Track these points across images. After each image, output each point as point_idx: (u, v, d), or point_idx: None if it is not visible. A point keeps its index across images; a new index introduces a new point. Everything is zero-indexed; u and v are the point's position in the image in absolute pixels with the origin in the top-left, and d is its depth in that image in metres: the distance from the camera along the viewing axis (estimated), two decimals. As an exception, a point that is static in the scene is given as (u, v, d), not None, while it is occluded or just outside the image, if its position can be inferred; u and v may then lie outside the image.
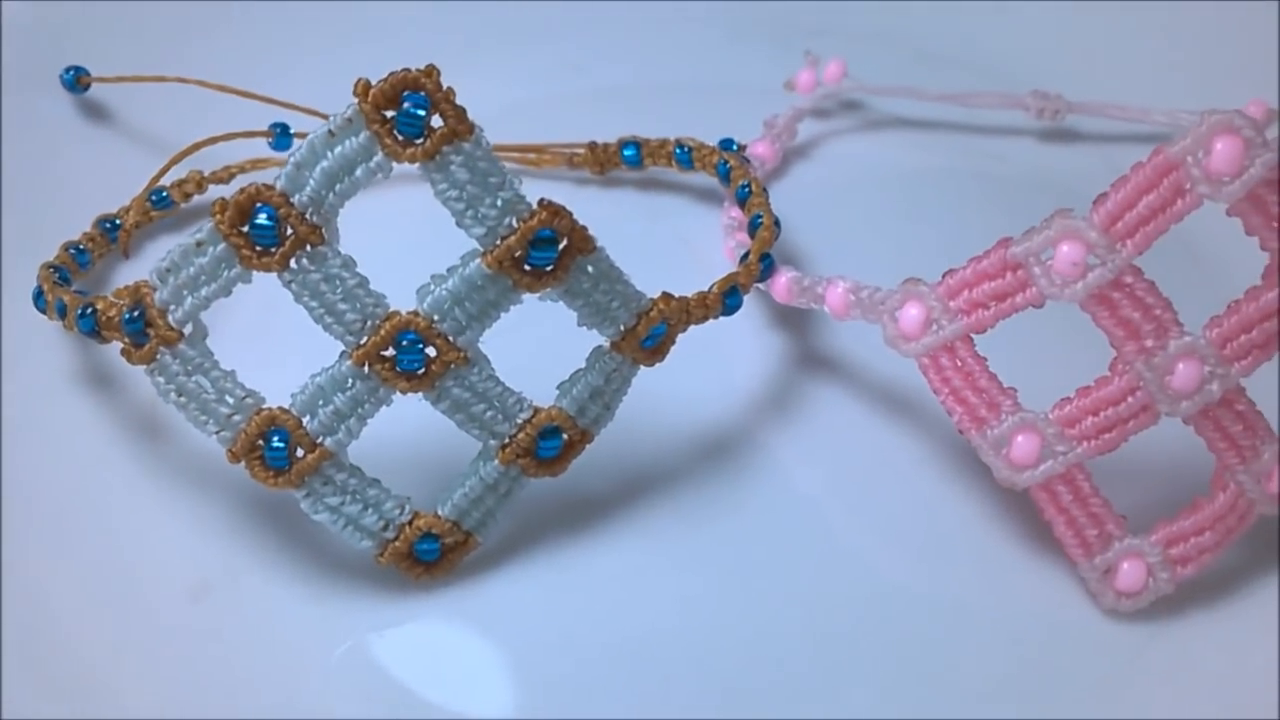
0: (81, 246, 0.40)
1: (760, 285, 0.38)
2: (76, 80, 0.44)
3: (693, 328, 0.35)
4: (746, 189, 0.40)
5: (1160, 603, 0.34)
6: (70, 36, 0.45)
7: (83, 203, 0.42)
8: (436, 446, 0.34)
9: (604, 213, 0.45)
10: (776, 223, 0.39)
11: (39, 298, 0.36)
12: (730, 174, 0.42)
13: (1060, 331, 0.34)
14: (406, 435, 0.33)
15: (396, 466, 0.34)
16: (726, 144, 0.45)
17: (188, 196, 0.43)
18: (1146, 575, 0.33)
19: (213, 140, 0.41)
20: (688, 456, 0.37)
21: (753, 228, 0.38)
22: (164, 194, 0.42)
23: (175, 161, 0.41)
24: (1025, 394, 0.33)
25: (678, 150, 0.43)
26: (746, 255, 0.37)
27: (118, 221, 0.41)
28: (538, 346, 0.33)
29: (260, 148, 0.44)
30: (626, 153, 0.44)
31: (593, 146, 0.45)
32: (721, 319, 0.36)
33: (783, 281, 0.37)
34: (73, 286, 0.38)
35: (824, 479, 0.37)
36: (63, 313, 0.34)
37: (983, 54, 0.50)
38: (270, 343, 0.36)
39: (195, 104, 0.43)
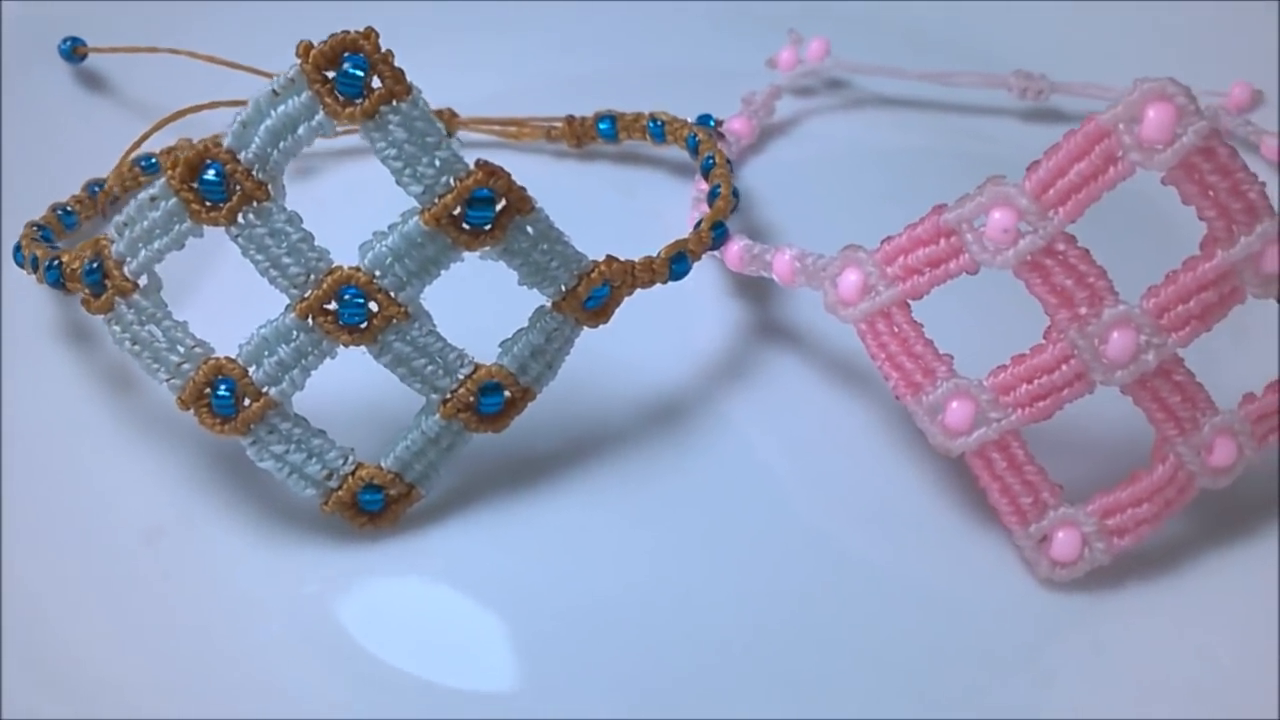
0: (69, 208, 0.41)
1: (717, 254, 0.38)
2: (73, 50, 0.45)
3: (655, 293, 0.36)
4: (711, 161, 0.40)
5: (1098, 574, 0.34)
6: (69, 8, 0.47)
7: (79, 168, 0.43)
8: (386, 400, 0.34)
9: (581, 185, 0.47)
10: (736, 194, 0.39)
11: (17, 252, 0.37)
12: (699, 147, 0.42)
13: (1001, 298, 0.34)
14: (358, 388, 0.34)
15: (347, 418, 0.35)
16: (704, 120, 0.45)
17: (176, 162, 0.44)
18: (1081, 545, 0.33)
19: (196, 108, 0.43)
20: (639, 418, 0.38)
21: (712, 198, 0.39)
22: (152, 159, 0.43)
23: (157, 128, 0.42)
24: (966, 361, 0.33)
25: (651, 124, 0.44)
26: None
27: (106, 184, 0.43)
28: (487, 305, 0.34)
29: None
30: (602, 126, 0.45)
31: (570, 120, 0.45)
32: (689, 285, 0.36)
33: (735, 250, 0.37)
34: (57, 245, 0.40)
35: (776, 443, 0.38)
36: (36, 267, 0.36)
37: (971, 35, 0.50)
38: (253, 297, 0.37)
39: (190, 75, 0.45)
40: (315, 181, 0.46)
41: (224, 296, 0.38)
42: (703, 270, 0.41)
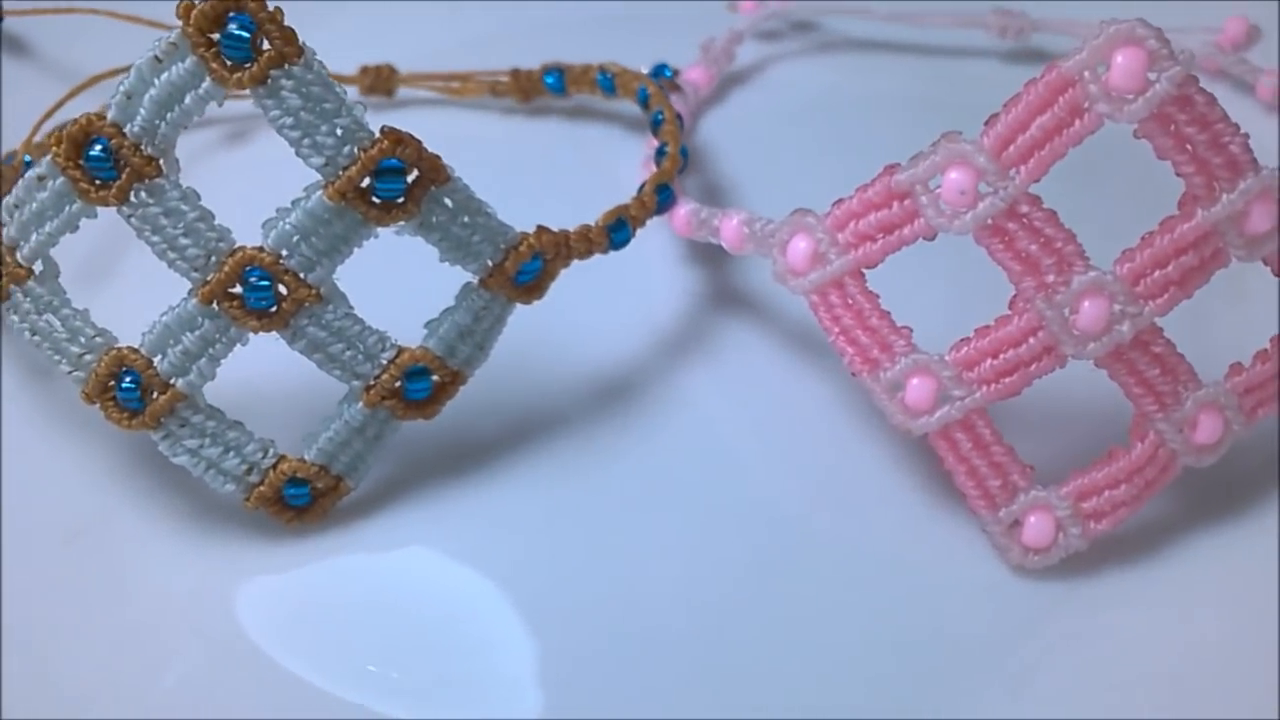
0: (-17, 182, 0.39)
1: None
2: (-13, 13, 0.43)
3: (605, 262, 0.33)
4: (660, 117, 0.38)
5: (1074, 560, 0.31)
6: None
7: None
8: (310, 387, 0.32)
9: (529, 143, 0.44)
10: (684, 153, 0.36)
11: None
12: (649, 101, 0.39)
13: (966, 264, 0.31)
14: (278, 376, 0.32)
15: (268, 408, 0.32)
16: (660, 70, 0.42)
17: (98, 131, 0.42)
18: (1055, 530, 0.31)
19: (114, 73, 0.40)
20: (588, 398, 0.35)
21: (659, 158, 0.36)
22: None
23: (72, 95, 0.39)
24: (927, 334, 0.31)
25: (600, 76, 0.41)
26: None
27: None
28: (415, 283, 0.31)
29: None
30: (549, 80, 0.42)
31: (516, 74, 0.42)
32: (641, 253, 0.34)
33: (682, 214, 0.35)
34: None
35: (735, 421, 0.35)
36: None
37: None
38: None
39: (118, 37, 0.42)
40: (250, 147, 0.43)
41: (149, 278, 0.36)
42: (656, 235, 0.38)
